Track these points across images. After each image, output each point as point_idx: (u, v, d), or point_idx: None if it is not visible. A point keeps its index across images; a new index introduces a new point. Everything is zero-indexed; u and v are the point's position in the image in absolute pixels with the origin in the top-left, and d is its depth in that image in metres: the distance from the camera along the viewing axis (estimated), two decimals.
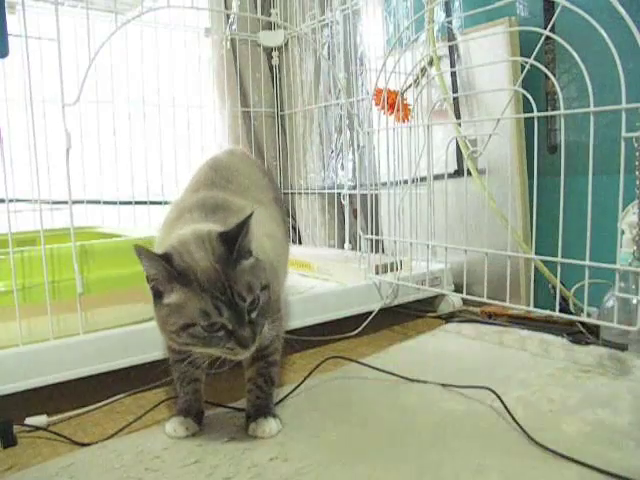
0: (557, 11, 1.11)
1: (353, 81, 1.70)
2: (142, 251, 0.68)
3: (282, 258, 1.00)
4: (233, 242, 0.71)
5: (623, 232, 1.08)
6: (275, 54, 2.00)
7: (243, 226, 0.72)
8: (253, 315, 0.71)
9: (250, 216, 0.72)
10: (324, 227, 1.96)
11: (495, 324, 1.38)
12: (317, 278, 1.56)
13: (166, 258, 0.68)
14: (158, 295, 0.70)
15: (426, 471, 0.72)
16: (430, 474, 0.71)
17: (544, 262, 1.22)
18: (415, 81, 1.51)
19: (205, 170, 1.00)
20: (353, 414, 0.90)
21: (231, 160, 1.07)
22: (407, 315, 1.52)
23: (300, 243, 2.09)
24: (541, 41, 1.07)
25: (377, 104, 1.49)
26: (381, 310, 1.38)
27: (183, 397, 0.87)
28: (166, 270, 0.68)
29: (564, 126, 1.02)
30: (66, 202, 1.02)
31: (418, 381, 1.02)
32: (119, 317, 1.08)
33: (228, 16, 1.92)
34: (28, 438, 0.87)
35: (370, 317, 1.35)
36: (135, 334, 1.03)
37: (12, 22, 0.94)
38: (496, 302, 1.18)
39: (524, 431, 0.80)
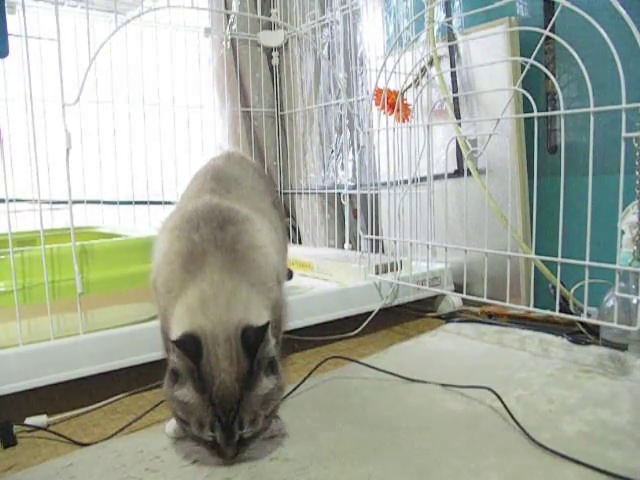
0: (557, 11, 1.11)
1: (353, 81, 1.70)
2: (187, 342, 0.69)
3: (282, 262, 1.00)
4: (254, 352, 0.70)
5: (623, 232, 1.08)
6: (275, 54, 2.00)
7: (263, 332, 0.71)
8: (246, 434, 0.71)
9: (267, 326, 0.71)
10: (324, 227, 1.96)
11: (495, 324, 1.38)
12: (317, 278, 1.56)
13: (197, 346, 0.69)
14: (174, 377, 0.71)
15: (426, 471, 0.72)
16: (430, 474, 0.71)
17: (544, 262, 1.22)
18: (415, 81, 1.51)
19: (206, 178, 0.98)
20: (353, 414, 0.90)
21: (230, 165, 1.06)
22: (407, 315, 1.52)
23: (300, 243, 2.09)
24: (541, 41, 1.07)
25: (377, 104, 1.49)
26: (381, 310, 1.38)
27: None
28: (192, 368, 0.68)
29: (564, 126, 1.02)
30: (66, 202, 1.02)
31: (418, 381, 1.02)
32: (119, 317, 1.08)
33: (228, 16, 1.92)
34: (28, 438, 0.87)
35: (370, 317, 1.35)
36: (135, 334, 1.03)
37: (12, 22, 0.94)
38: (496, 302, 1.18)
39: (524, 431, 0.80)
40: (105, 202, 1.66)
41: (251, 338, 0.70)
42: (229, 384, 0.68)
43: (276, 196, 1.19)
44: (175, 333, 0.72)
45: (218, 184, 0.95)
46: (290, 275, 1.45)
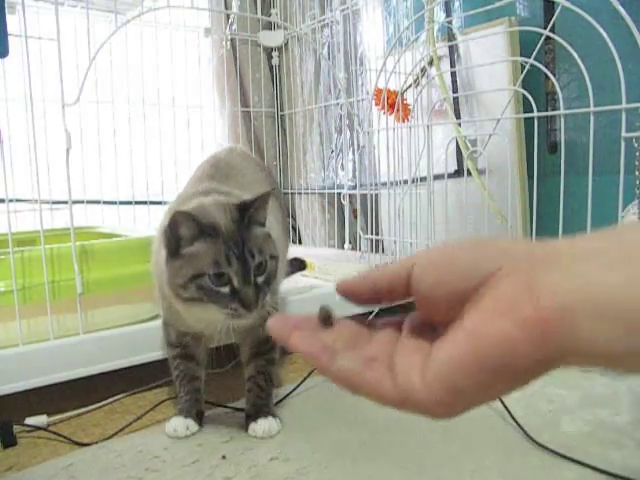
0: (557, 11, 1.11)
1: (353, 81, 1.70)
2: (181, 215, 0.71)
3: (281, 255, 1.00)
4: (247, 210, 0.75)
5: None
6: (275, 54, 2.00)
7: (260, 198, 0.76)
8: (259, 279, 0.72)
9: (269, 193, 0.77)
10: (324, 227, 1.96)
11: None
12: (317, 278, 1.56)
13: (193, 216, 0.71)
14: (174, 251, 0.73)
15: (426, 471, 0.72)
16: (430, 474, 0.71)
17: None
18: (415, 81, 1.51)
19: (205, 167, 1.01)
20: (353, 414, 0.90)
21: (230, 157, 1.07)
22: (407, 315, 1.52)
23: (300, 243, 2.09)
24: (541, 41, 1.07)
25: (377, 104, 1.49)
26: (381, 310, 1.38)
27: (183, 397, 0.87)
28: (196, 226, 0.71)
29: (564, 126, 1.02)
30: (66, 202, 1.02)
31: None
32: (119, 317, 1.08)
33: (228, 16, 1.92)
34: (28, 438, 0.87)
35: (370, 317, 1.35)
36: (135, 334, 1.03)
37: (12, 22, 0.94)
38: None
39: (524, 431, 0.80)
40: (105, 202, 1.66)
41: (245, 202, 0.76)
42: (227, 224, 0.73)
43: (276, 187, 1.20)
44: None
45: (217, 171, 0.97)
46: (304, 266, 1.44)
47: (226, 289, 0.70)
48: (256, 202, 0.75)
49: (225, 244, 0.71)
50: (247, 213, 0.74)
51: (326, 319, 0.37)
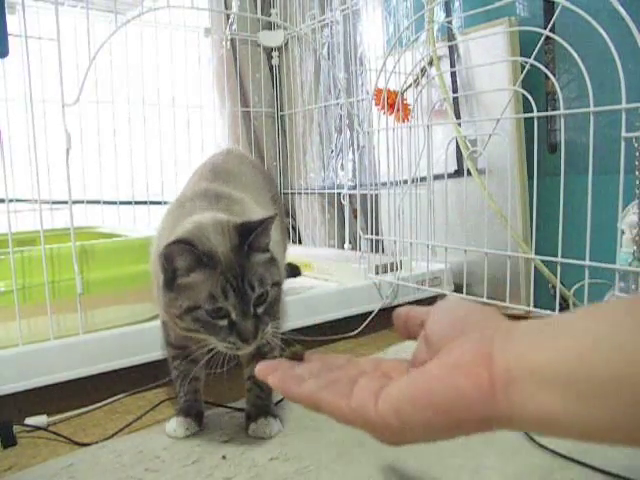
0: (557, 11, 1.11)
1: (353, 81, 1.70)
2: (176, 247, 0.67)
3: (281, 258, 1.00)
4: (248, 234, 0.70)
5: (623, 232, 1.08)
6: (275, 54, 2.00)
7: (262, 222, 0.71)
8: (259, 310, 0.69)
9: (273, 217, 0.72)
10: (324, 227, 1.96)
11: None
12: (317, 278, 1.56)
13: (191, 244, 0.67)
14: (170, 280, 0.69)
15: (426, 471, 0.72)
16: (430, 474, 0.71)
17: (544, 262, 1.22)
18: (415, 81, 1.51)
19: (203, 170, 1.00)
20: None
21: (229, 160, 1.06)
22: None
23: (300, 243, 2.09)
24: (541, 41, 1.07)
25: (377, 104, 1.49)
26: (381, 310, 1.38)
27: (183, 397, 0.87)
28: (193, 256, 0.67)
29: (564, 126, 1.02)
30: (66, 202, 1.02)
31: None
32: (119, 317, 1.08)
33: (228, 16, 1.92)
34: (28, 438, 0.87)
35: (370, 317, 1.35)
36: (135, 334, 1.03)
37: (12, 22, 0.94)
38: (496, 302, 1.18)
39: (524, 431, 0.80)
40: (105, 202, 1.66)
41: (245, 224, 0.71)
42: (226, 252, 0.68)
43: (276, 193, 1.19)
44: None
45: (216, 176, 0.95)
46: (297, 272, 1.45)
47: (224, 322, 0.67)
48: (259, 227, 0.70)
49: (222, 275, 0.67)
50: (248, 239, 0.69)
51: (294, 356, 0.46)
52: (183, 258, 0.67)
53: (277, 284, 0.73)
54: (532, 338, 0.33)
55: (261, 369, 0.43)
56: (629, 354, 0.29)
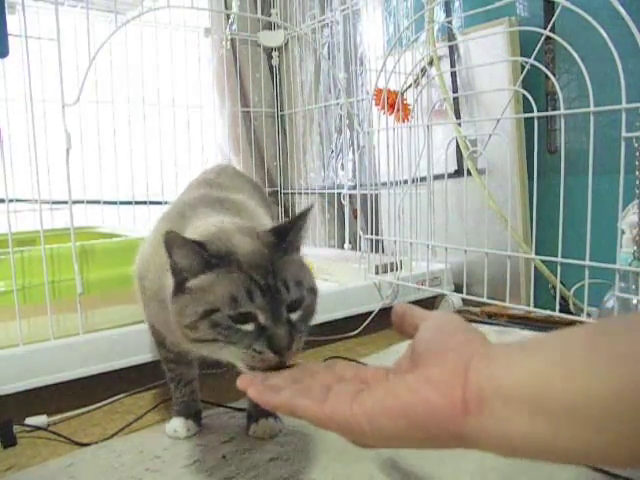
0: (557, 11, 1.11)
1: (353, 81, 1.70)
2: (176, 239, 0.56)
3: None
4: (285, 234, 0.60)
5: (623, 232, 1.08)
6: (275, 54, 2.00)
7: (299, 219, 0.61)
8: (294, 316, 0.57)
9: (310, 209, 0.62)
10: (324, 227, 1.96)
11: (495, 324, 1.38)
12: (317, 278, 1.55)
13: (201, 244, 0.57)
14: (180, 286, 0.58)
15: (426, 471, 0.72)
16: (430, 474, 0.71)
17: (544, 262, 1.22)
18: (415, 81, 1.51)
19: (198, 185, 0.94)
20: None
21: (221, 178, 0.99)
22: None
23: None
24: (541, 41, 1.07)
25: (377, 104, 1.49)
26: (381, 310, 1.38)
27: (179, 398, 0.87)
28: (201, 257, 0.56)
29: (564, 126, 1.02)
30: (66, 202, 1.02)
31: None
32: (119, 317, 1.08)
33: (228, 16, 1.92)
34: (28, 438, 0.87)
35: (370, 317, 1.35)
36: (135, 334, 1.03)
37: (12, 22, 0.94)
38: (496, 302, 1.18)
39: None
40: (105, 202, 1.66)
41: (278, 227, 0.62)
42: (255, 249, 0.58)
43: (271, 210, 1.06)
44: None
45: (211, 188, 0.89)
46: None
47: (249, 326, 0.54)
48: (296, 223, 0.61)
49: (247, 273, 0.55)
50: (286, 237, 0.60)
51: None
52: (195, 257, 0.57)
53: (313, 291, 0.62)
54: (506, 361, 0.35)
55: (241, 382, 0.44)
56: (596, 376, 0.30)
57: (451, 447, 0.36)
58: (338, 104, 1.85)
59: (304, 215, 0.62)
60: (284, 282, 0.56)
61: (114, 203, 1.66)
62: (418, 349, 0.41)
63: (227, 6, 1.93)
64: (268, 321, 0.54)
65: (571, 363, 0.31)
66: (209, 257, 0.56)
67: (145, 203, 1.67)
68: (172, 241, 0.56)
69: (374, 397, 0.37)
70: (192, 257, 0.57)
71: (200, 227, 0.65)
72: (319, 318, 1.28)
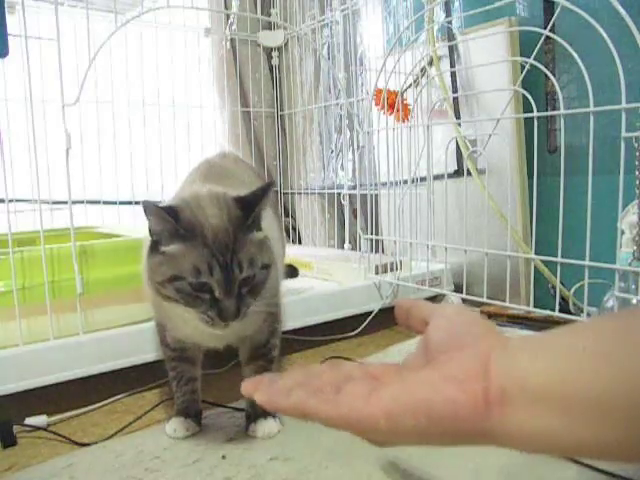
0: (557, 11, 1.11)
1: (353, 81, 1.70)
2: (150, 207, 0.67)
3: (280, 256, 0.99)
4: (250, 208, 0.69)
5: (623, 232, 1.08)
6: (275, 54, 2.00)
7: (261, 194, 0.70)
8: (243, 290, 0.68)
9: (271, 184, 0.72)
10: (324, 227, 1.96)
11: (495, 324, 1.38)
12: (317, 278, 1.56)
13: (174, 213, 0.67)
14: (155, 245, 0.69)
15: (426, 471, 0.72)
16: (430, 474, 0.72)
17: (544, 262, 1.22)
18: (415, 81, 1.51)
19: (199, 169, 0.99)
20: None
21: (224, 162, 1.06)
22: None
23: (300, 243, 2.09)
24: (541, 41, 1.07)
25: (377, 104, 1.49)
26: (381, 310, 1.38)
27: (181, 397, 0.87)
28: (172, 226, 0.66)
29: (564, 126, 1.02)
30: (66, 202, 1.02)
31: None
32: (119, 317, 1.08)
33: (228, 16, 1.92)
34: (28, 438, 0.87)
35: (370, 317, 1.35)
36: (135, 334, 1.03)
37: (12, 22, 0.94)
38: (496, 302, 1.18)
39: None
40: (105, 202, 1.66)
41: (245, 197, 0.71)
42: (220, 224, 0.67)
43: (273, 196, 1.18)
44: None
45: (211, 173, 0.95)
46: (296, 273, 1.45)
47: (206, 296, 0.66)
48: (259, 197, 0.70)
49: (209, 249, 0.65)
50: (251, 213, 0.69)
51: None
52: (163, 223, 0.67)
53: (267, 267, 0.71)
54: (527, 355, 0.35)
55: (246, 387, 0.42)
56: (619, 370, 0.30)
57: (471, 444, 0.35)
58: (338, 104, 1.85)
59: (268, 188, 0.71)
60: (239, 262, 0.66)
61: (114, 203, 1.66)
62: (431, 344, 0.41)
63: (227, 6, 1.92)
64: (221, 295, 0.66)
65: (595, 358, 0.31)
66: (178, 226, 0.66)
67: None
68: (148, 209, 0.67)
69: (391, 394, 0.36)
70: (163, 224, 0.67)
71: (180, 195, 0.75)
72: (319, 318, 1.30)
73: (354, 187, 1.69)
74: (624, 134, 0.91)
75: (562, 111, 1.02)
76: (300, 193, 2.04)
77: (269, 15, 1.90)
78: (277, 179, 2.06)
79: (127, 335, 1.03)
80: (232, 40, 1.93)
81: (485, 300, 1.18)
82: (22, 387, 0.91)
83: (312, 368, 0.46)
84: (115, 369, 1.00)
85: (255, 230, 0.71)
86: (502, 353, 0.35)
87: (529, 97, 1.07)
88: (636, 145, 0.95)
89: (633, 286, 1.05)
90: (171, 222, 0.66)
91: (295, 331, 1.23)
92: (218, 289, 0.66)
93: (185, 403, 0.87)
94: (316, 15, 1.83)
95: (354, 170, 1.82)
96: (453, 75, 1.54)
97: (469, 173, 1.35)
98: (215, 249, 0.66)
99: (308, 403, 0.38)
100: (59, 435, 0.86)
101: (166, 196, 1.62)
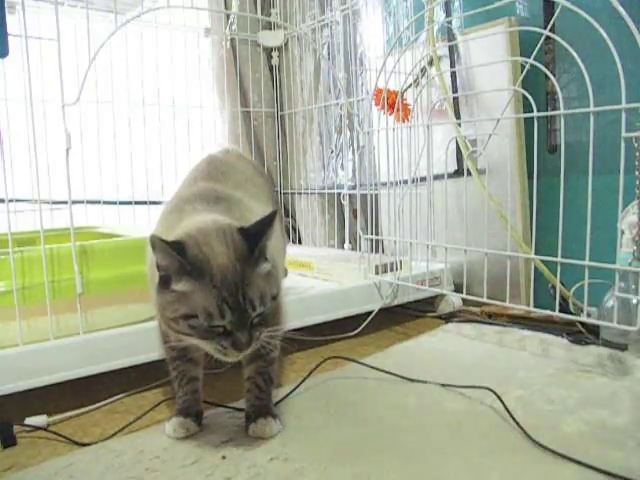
0: (557, 11, 1.11)
1: (353, 81, 1.70)
2: (156, 242, 0.67)
3: (280, 257, 1.00)
4: (255, 240, 0.70)
5: (623, 232, 1.08)
6: (275, 54, 2.00)
7: (267, 224, 0.71)
8: (255, 321, 0.69)
9: (274, 214, 0.72)
10: (324, 227, 1.96)
11: (495, 324, 1.38)
12: (317, 278, 1.56)
13: (180, 249, 0.67)
14: (166, 281, 0.69)
15: (426, 471, 0.72)
16: (430, 474, 0.71)
17: (544, 262, 1.22)
18: (415, 81, 1.51)
19: (201, 166, 1.00)
20: (353, 414, 0.90)
21: (227, 158, 1.07)
22: (407, 315, 1.52)
23: (300, 243, 2.09)
24: (541, 41, 1.07)
25: (377, 104, 1.49)
26: (381, 310, 1.38)
27: (182, 397, 0.87)
28: (179, 262, 0.66)
29: (564, 126, 1.02)
30: (66, 202, 1.02)
31: (418, 381, 1.02)
32: (119, 317, 1.08)
33: (228, 16, 1.92)
34: (28, 438, 0.87)
35: (370, 317, 1.35)
36: (135, 334, 1.03)
37: (12, 22, 0.94)
38: (496, 302, 1.18)
39: (524, 431, 0.80)
40: (105, 202, 1.66)
41: (250, 229, 0.71)
42: (228, 263, 0.67)
43: (274, 194, 1.19)
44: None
45: (214, 169, 0.96)
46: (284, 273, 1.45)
47: (219, 329, 0.67)
48: (264, 230, 0.70)
49: (220, 290, 0.66)
50: (256, 247, 0.69)
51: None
52: (173, 261, 0.67)
53: (275, 297, 0.72)
54: None
55: None
56: None
57: None
58: (338, 104, 1.86)
59: (270, 220, 0.71)
60: (251, 301, 0.67)
61: (114, 203, 1.66)
62: None
63: (227, 6, 1.93)
64: (234, 329, 0.67)
65: None
66: (185, 262, 0.66)
67: (145, 203, 1.67)
68: (154, 244, 0.67)
69: None
70: (169, 260, 0.67)
71: (186, 226, 0.74)
72: (319, 318, 1.30)
73: (354, 187, 1.69)
74: (624, 134, 0.91)
75: (562, 111, 1.02)
76: (300, 193, 2.04)
77: (269, 15, 1.90)
78: (277, 179, 2.06)
79: (127, 335, 1.03)
80: (232, 40, 1.93)
81: (485, 300, 1.18)
82: (22, 387, 0.91)
83: None
84: (115, 369, 1.00)
85: (263, 262, 0.71)
86: None
87: (529, 97, 1.07)
88: (636, 145, 0.95)
89: (633, 286, 1.05)
90: (178, 258, 0.66)
91: (295, 331, 1.23)
92: (231, 326, 0.67)
93: (186, 402, 0.87)
94: (316, 15, 1.83)
95: (354, 170, 1.82)
96: (453, 75, 1.54)
97: (469, 173, 1.35)
98: (225, 290, 0.66)
99: None
100: (59, 435, 0.86)
101: (166, 196, 1.63)
